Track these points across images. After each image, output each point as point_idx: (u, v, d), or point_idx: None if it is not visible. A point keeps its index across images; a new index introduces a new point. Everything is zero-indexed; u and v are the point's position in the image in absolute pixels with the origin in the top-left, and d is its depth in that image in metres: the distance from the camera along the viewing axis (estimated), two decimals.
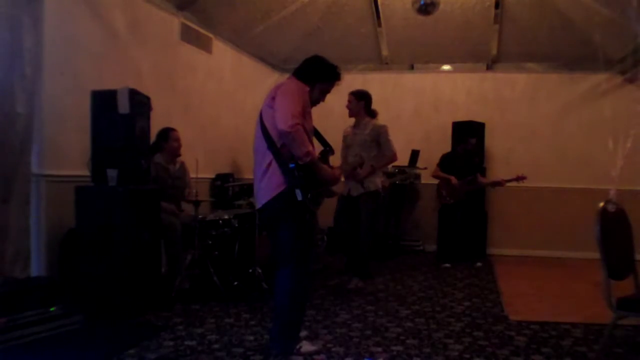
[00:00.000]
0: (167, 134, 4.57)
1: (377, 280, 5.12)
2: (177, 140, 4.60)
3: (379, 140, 4.74)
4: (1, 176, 3.45)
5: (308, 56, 3.22)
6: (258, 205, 3.05)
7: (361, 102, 4.77)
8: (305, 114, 2.94)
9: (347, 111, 4.91)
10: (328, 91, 3.21)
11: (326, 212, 5.27)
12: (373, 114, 4.83)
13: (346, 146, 4.90)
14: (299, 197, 2.85)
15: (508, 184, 6.13)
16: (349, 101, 4.83)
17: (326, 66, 3.17)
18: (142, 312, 3.74)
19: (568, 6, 5.80)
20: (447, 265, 5.96)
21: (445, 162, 6.13)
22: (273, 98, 2.91)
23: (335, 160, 3.78)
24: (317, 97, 3.14)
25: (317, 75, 3.12)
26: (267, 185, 2.93)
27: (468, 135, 6.30)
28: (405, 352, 3.13)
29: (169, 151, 4.59)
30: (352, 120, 4.96)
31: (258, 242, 4.36)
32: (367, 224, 4.74)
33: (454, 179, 6.00)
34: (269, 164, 2.92)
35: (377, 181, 4.80)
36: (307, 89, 3.03)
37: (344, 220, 4.87)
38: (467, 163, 6.19)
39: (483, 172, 6.65)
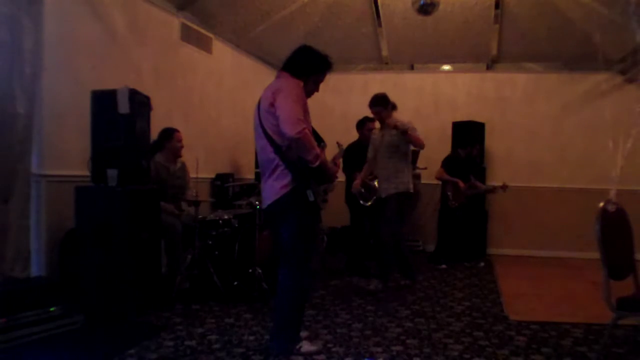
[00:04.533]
0: (171, 134, 4.57)
1: (377, 280, 5.11)
2: (180, 141, 4.61)
3: (401, 131, 4.60)
4: (1, 176, 3.45)
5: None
6: (264, 205, 3.06)
7: (389, 105, 4.72)
8: (305, 112, 2.94)
9: (347, 111, 4.90)
10: (321, 81, 3.18)
11: (327, 211, 5.29)
12: (395, 108, 4.79)
13: (374, 149, 4.87)
14: (311, 198, 2.88)
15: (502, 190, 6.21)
16: (378, 112, 4.71)
17: (318, 57, 3.13)
18: (142, 312, 3.74)
19: (568, 6, 5.79)
20: (444, 266, 5.95)
21: (450, 165, 6.12)
22: (272, 104, 2.89)
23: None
24: (311, 89, 3.12)
25: (309, 68, 3.09)
26: (274, 186, 2.95)
27: (468, 136, 6.29)
28: (405, 352, 3.13)
29: (171, 151, 4.59)
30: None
31: (258, 242, 4.35)
32: (393, 226, 4.68)
33: (462, 183, 5.99)
34: (276, 166, 2.94)
35: (409, 180, 4.73)
36: (302, 84, 3.02)
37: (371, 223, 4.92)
38: (470, 167, 6.19)
39: (483, 172, 6.65)
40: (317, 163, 2.85)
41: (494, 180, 6.66)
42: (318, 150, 2.88)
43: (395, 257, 4.77)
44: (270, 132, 2.93)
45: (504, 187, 6.16)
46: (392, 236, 4.68)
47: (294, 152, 2.87)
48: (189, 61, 5.49)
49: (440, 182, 6.32)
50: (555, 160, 6.98)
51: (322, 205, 3.06)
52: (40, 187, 3.71)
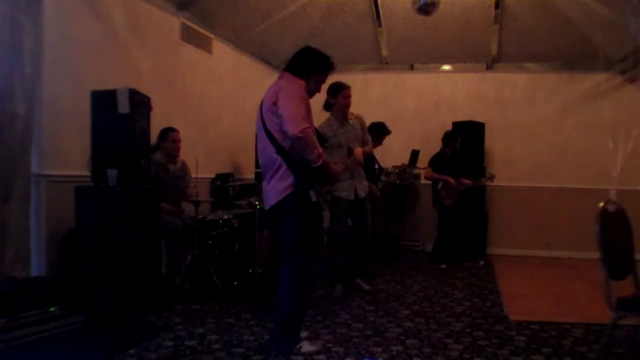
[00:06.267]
0: (166, 133, 4.56)
1: (377, 280, 5.12)
2: (175, 141, 4.58)
3: (363, 131, 4.53)
4: (1, 176, 3.45)
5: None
6: (267, 206, 3.06)
7: None
8: (308, 111, 2.94)
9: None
10: (323, 81, 3.18)
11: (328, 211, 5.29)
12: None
13: (337, 147, 4.35)
14: (314, 199, 2.87)
15: (501, 184, 6.20)
16: (350, 96, 4.41)
17: (319, 57, 3.14)
18: (142, 312, 3.75)
19: (568, 6, 5.80)
20: (443, 266, 5.95)
21: (437, 164, 6.11)
22: (274, 103, 2.89)
23: None
24: (312, 89, 3.12)
25: (311, 67, 3.09)
26: (277, 187, 2.94)
27: (449, 133, 6.29)
28: (405, 352, 3.13)
29: (167, 151, 4.58)
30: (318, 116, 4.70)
31: (258, 242, 4.35)
32: (370, 224, 4.65)
33: (451, 179, 5.99)
34: (279, 167, 2.93)
35: None
36: (304, 83, 3.02)
37: (345, 223, 4.62)
38: (457, 163, 6.18)
39: (483, 171, 6.65)
40: (319, 162, 2.85)
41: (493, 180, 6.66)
42: (321, 149, 2.88)
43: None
44: (273, 132, 2.92)
45: (491, 178, 6.14)
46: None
47: (297, 152, 2.87)
48: (189, 61, 5.49)
49: (430, 183, 6.31)
50: (555, 160, 6.98)
51: (324, 206, 3.05)
52: (40, 187, 3.71)
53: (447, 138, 6.20)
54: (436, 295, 4.61)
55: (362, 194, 4.49)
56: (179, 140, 4.61)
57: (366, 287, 4.70)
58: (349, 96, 4.38)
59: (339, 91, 4.35)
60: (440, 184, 6.08)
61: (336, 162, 3.42)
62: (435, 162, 6.13)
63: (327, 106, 4.41)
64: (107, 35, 4.32)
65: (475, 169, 6.51)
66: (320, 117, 4.58)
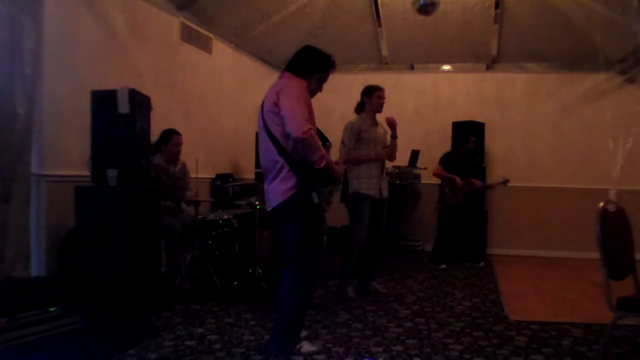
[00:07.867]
0: (168, 136, 4.55)
1: (377, 281, 5.10)
2: (177, 145, 4.58)
3: (385, 137, 4.68)
4: (1, 176, 3.45)
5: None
6: (268, 208, 3.05)
7: None
8: (309, 112, 2.93)
9: (347, 111, 4.82)
10: (324, 80, 3.17)
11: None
12: None
13: (368, 142, 4.46)
14: (316, 200, 2.86)
15: (503, 185, 6.20)
16: (384, 97, 4.57)
17: (320, 56, 3.12)
18: (142, 312, 3.75)
19: (568, 6, 5.80)
20: (443, 266, 5.95)
21: (448, 162, 6.11)
22: (276, 103, 2.87)
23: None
24: (314, 88, 3.10)
25: (312, 66, 3.07)
26: (279, 189, 2.93)
27: (468, 135, 6.29)
28: (405, 352, 3.13)
29: (167, 154, 4.58)
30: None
31: (258, 242, 4.35)
32: (385, 225, 4.68)
33: (459, 179, 5.98)
34: (281, 168, 2.92)
35: None
36: (305, 83, 3.01)
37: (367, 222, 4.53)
38: (468, 163, 6.18)
39: (483, 171, 6.65)
40: (322, 164, 2.83)
41: (494, 180, 6.65)
42: (323, 150, 2.87)
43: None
44: (274, 133, 2.90)
45: (506, 182, 6.12)
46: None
47: (300, 153, 2.86)
48: (189, 61, 5.49)
49: (438, 180, 6.30)
50: (555, 160, 6.98)
51: (326, 207, 3.04)
52: (40, 187, 3.71)
53: (460, 139, 6.20)
54: (436, 295, 4.61)
55: (385, 194, 4.54)
56: (181, 144, 4.61)
57: (383, 290, 4.67)
58: (384, 97, 4.54)
59: (375, 90, 4.52)
60: (446, 183, 6.08)
61: (338, 162, 3.42)
62: (447, 160, 6.13)
63: (359, 108, 4.56)
64: (107, 35, 4.33)
65: (477, 169, 6.50)
66: (321, 117, 4.58)
